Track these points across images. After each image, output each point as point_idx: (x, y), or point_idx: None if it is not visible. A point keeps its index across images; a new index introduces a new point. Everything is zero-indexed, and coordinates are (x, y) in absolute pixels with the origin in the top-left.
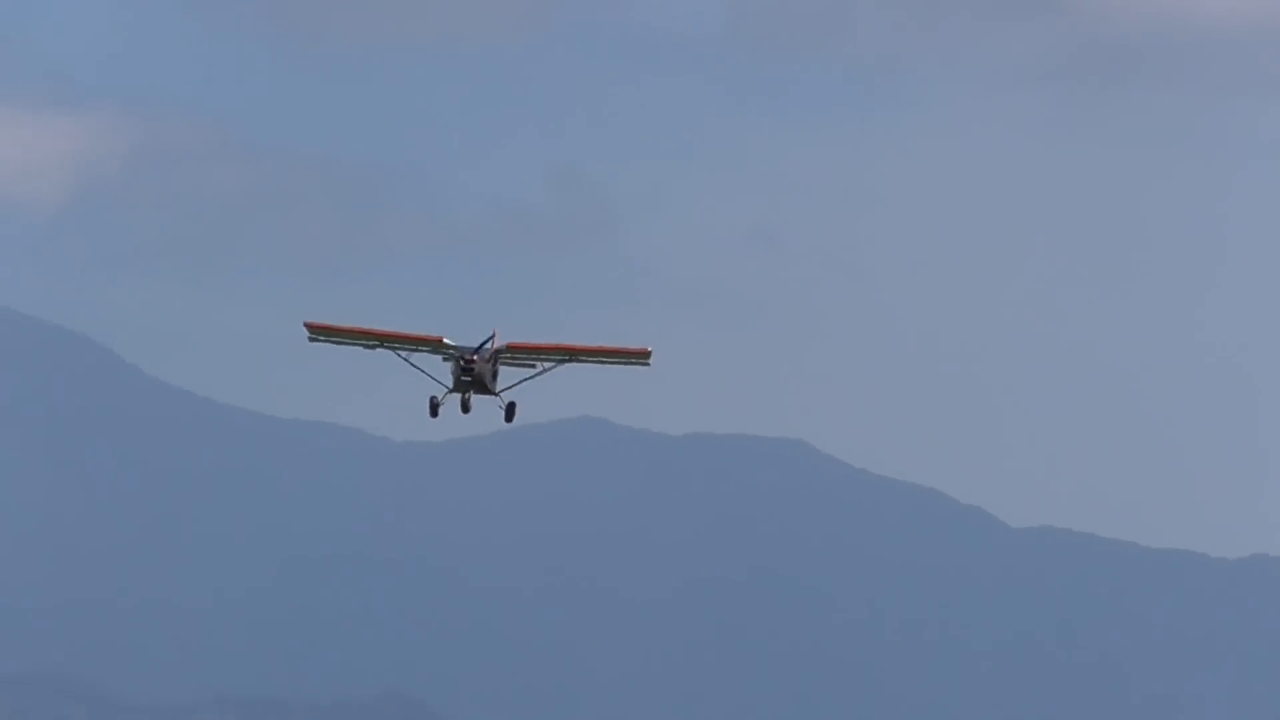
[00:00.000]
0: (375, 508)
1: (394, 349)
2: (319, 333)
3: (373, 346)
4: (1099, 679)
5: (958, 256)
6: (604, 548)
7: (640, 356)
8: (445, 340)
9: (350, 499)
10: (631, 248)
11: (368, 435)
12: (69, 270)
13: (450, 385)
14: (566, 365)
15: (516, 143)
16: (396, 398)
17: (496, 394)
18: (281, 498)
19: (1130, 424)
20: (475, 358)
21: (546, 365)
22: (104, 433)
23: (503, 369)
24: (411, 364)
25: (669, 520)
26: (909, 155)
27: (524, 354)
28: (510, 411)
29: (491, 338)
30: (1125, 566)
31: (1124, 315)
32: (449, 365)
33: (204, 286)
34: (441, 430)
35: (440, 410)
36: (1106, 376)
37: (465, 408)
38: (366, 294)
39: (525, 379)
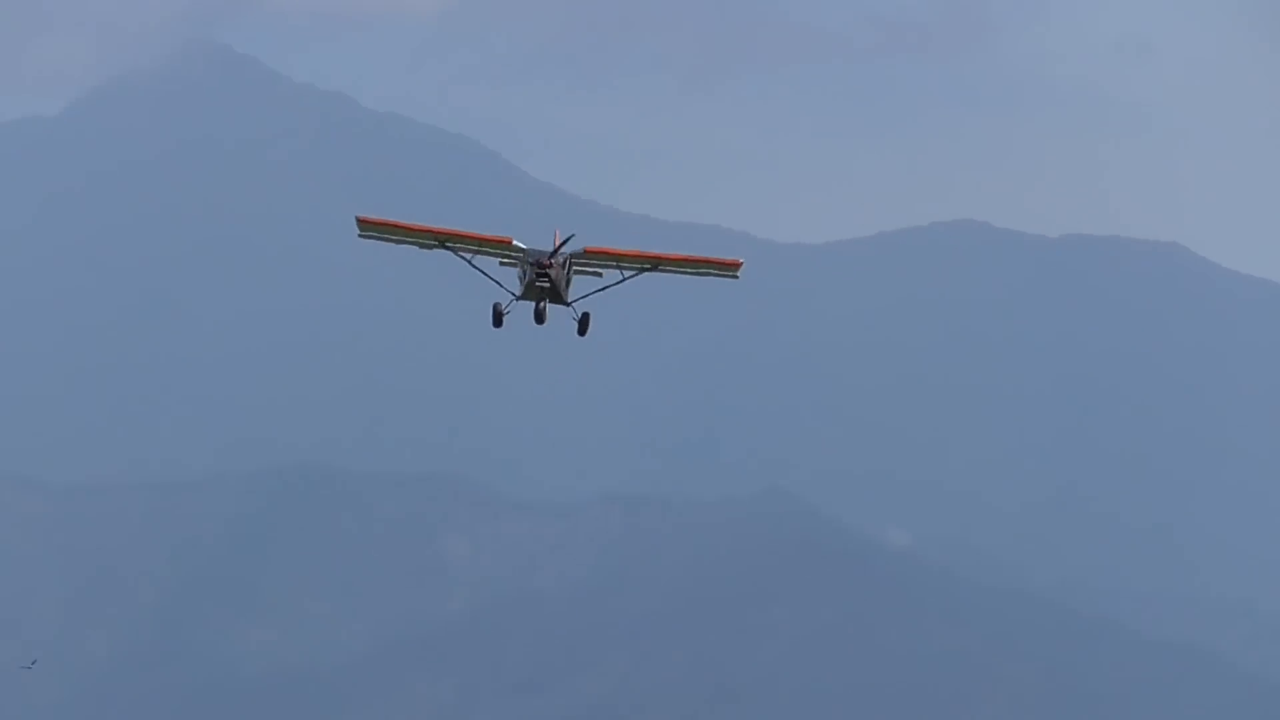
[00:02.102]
0: (758, 309)
1: (454, 249)
2: (371, 229)
3: (430, 246)
4: None
5: None
6: (980, 347)
7: (730, 268)
8: (515, 242)
9: (734, 300)
10: (1011, 54)
11: (752, 238)
12: (456, 77)
13: (518, 292)
14: (650, 274)
15: None
16: (775, 202)
17: (569, 303)
18: (667, 300)
19: None
20: (551, 262)
21: (626, 274)
22: (494, 233)
23: (576, 277)
24: (474, 266)
25: (1044, 320)
26: None
27: (601, 260)
28: (584, 324)
29: (568, 240)
30: None
31: None
32: (516, 271)
33: (590, 91)
34: (822, 232)
35: (505, 320)
36: None
37: (540, 317)
38: (742, 93)
39: (599, 289)
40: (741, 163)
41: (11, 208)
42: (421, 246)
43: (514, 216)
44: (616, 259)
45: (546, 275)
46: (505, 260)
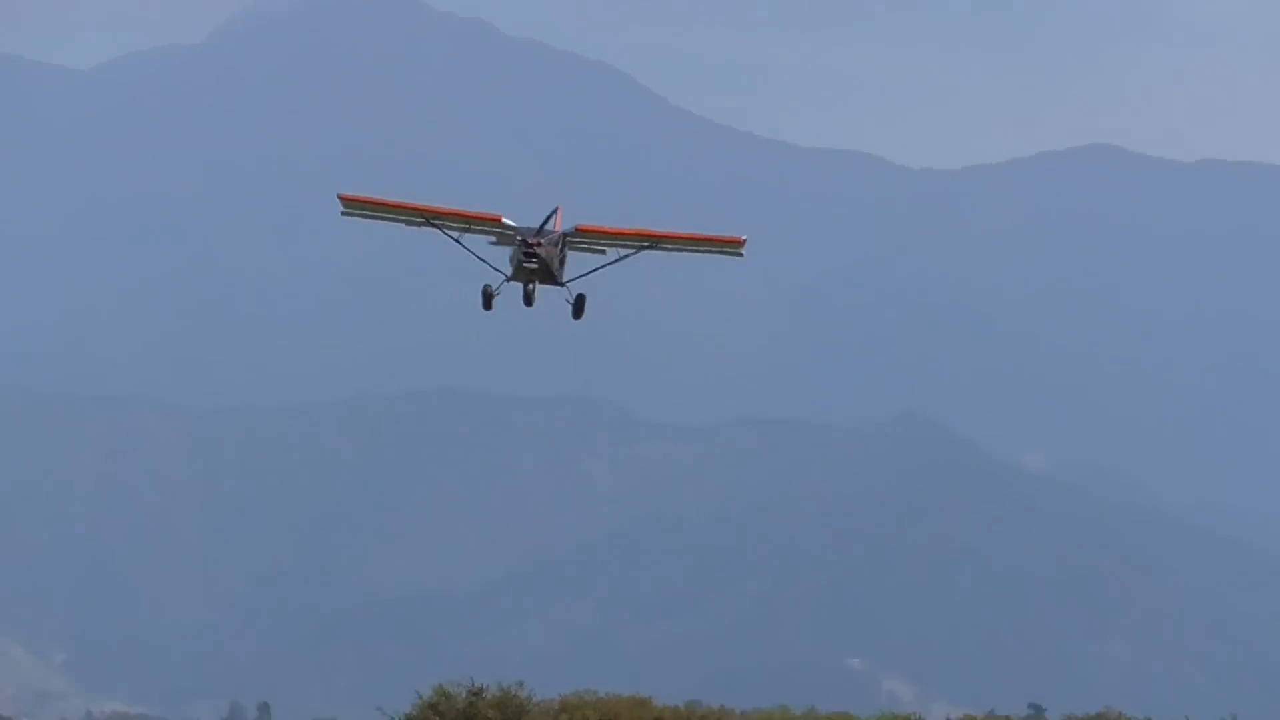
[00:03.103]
0: (890, 233)
1: (440, 227)
2: (354, 206)
3: (417, 223)
4: None
5: None
6: (1115, 270)
7: (733, 245)
8: (504, 220)
9: (867, 225)
10: None
11: (886, 162)
12: (595, 3)
13: (508, 272)
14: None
15: None
16: (909, 128)
17: (563, 284)
18: (800, 225)
19: None
20: (539, 242)
21: (622, 252)
22: (631, 158)
23: (571, 255)
24: (463, 245)
25: (1179, 245)
26: None
27: (594, 238)
28: (579, 306)
29: (553, 215)
30: None
31: None
32: (509, 252)
33: (728, 17)
34: (956, 158)
35: (495, 303)
36: None
37: (528, 300)
38: (878, 19)
39: (596, 268)
40: (876, 88)
41: (156, 134)
42: (408, 224)
43: (652, 142)
44: (611, 237)
45: (535, 255)
46: (497, 240)
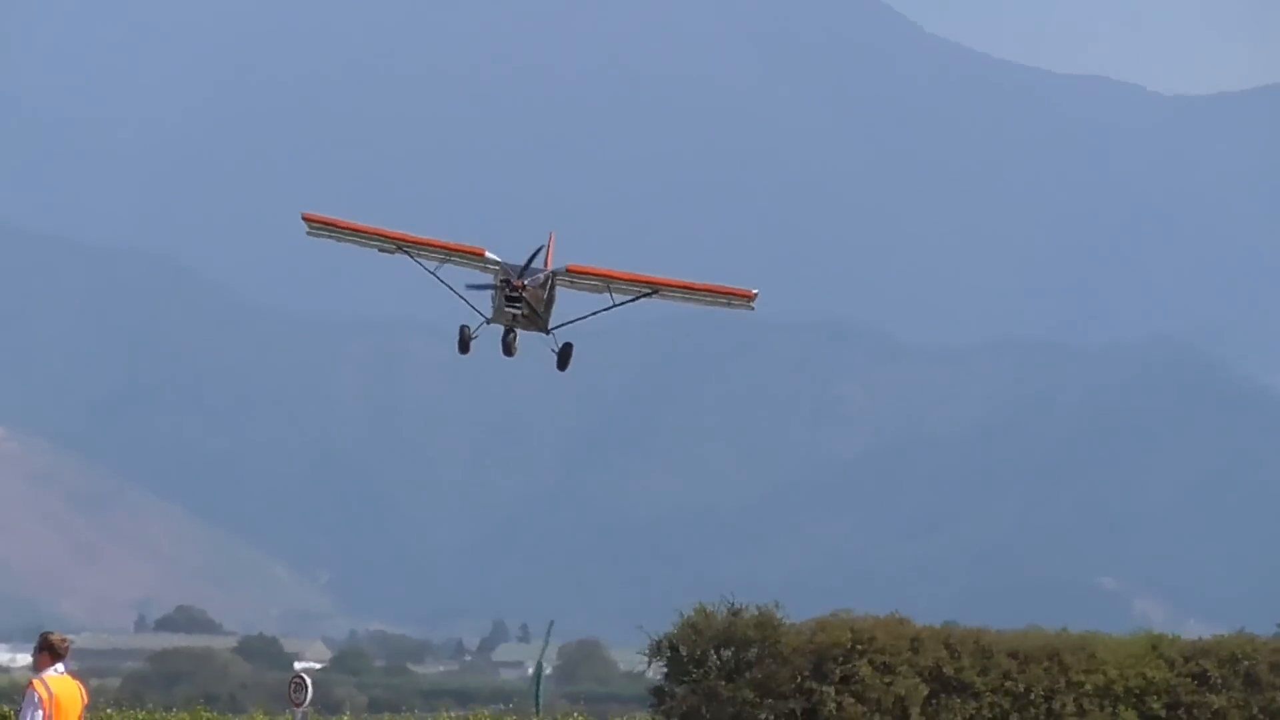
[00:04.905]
0: (1140, 159)
1: (415, 256)
2: (320, 227)
3: (389, 251)
4: None
5: None
6: None
7: (743, 299)
8: (487, 254)
9: (1120, 148)
10: None
11: (1140, 89)
12: None
13: (488, 314)
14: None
15: None
16: (1160, 53)
17: (549, 331)
18: (1050, 146)
19: None
20: (524, 284)
21: (618, 299)
22: (883, 84)
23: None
24: (438, 278)
25: None
26: None
27: (588, 280)
28: (564, 357)
29: (542, 249)
30: None
31: None
32: (490, 291)
33: None
34: (1206, 84)
35: (472, 345)
36: None
37: (508, 349)
38: None
39: (588, 315)
40: (1127, 14)
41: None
42: (380, 250)
43: (910, 72)
44: (606, 280)
45: (519, 300)
46: (476, 279)
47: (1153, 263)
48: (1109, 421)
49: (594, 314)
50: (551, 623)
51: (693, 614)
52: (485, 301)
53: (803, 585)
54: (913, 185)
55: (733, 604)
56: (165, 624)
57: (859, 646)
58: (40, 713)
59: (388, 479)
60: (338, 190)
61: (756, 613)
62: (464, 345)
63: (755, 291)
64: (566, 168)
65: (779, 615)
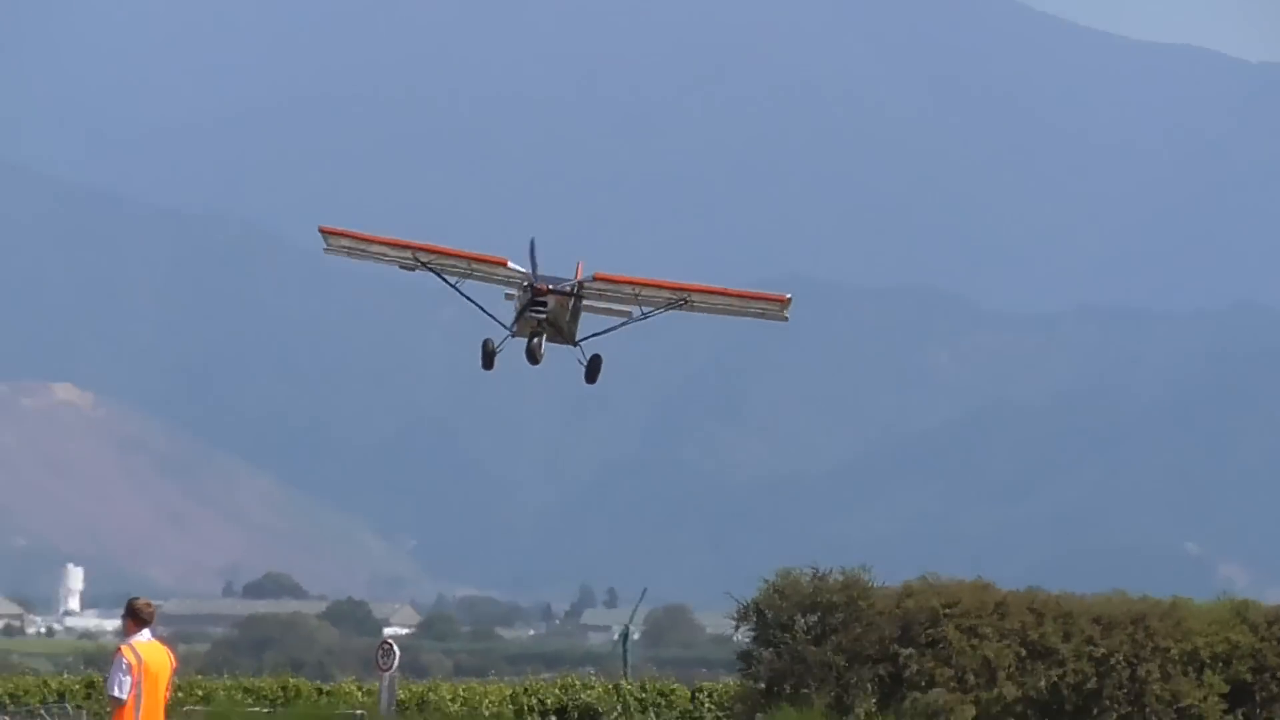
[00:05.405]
0: (1234, 120)
1: (436, 271)
2: (336, 239)
3: (410, 267)
4: None
5: None
6: None
7: (777, 304)
8: (509, 264)
9: (1211, 112)
10: None
11: (1225, 58)
12: None
13: (512, 327)
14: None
15: None
16: (1246, 15)
17: (576, 343)
18: (1140, 118)
19: None
20: (548, 288)
21: (647, 309)
22: (967, 50)
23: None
24: (461, 293)
25: None
26: None
27: (617, 289)
28: (593, 369)
29: (535, 251)
30: None
31: None
32: (513, 301)
33: None
34: None
35: (496, 360)
36: None
37: (533, 357)
38: None
39: (611, 328)
40: None
41: None
42: (401, 266)
43: (994, 38)
44: (634, 288)
45: (543, 304)
46: (508, 294)
47: (1237, 230)
48: (1193, 388)
49: (622, 324)
50: (645, 590)
51: (778, 578)
52: (509, 314)
53: (888, 550)
54: (998, 152)
55: (817, 569)
56: (253, 590)
57: (946, 610)
58: (128, 678)
59: (475, 444)
60: (423, 159)
61: (843, 576)
62: (488, 360)
63: (788, 297)
64: (645, 142)
65: (866, 578)
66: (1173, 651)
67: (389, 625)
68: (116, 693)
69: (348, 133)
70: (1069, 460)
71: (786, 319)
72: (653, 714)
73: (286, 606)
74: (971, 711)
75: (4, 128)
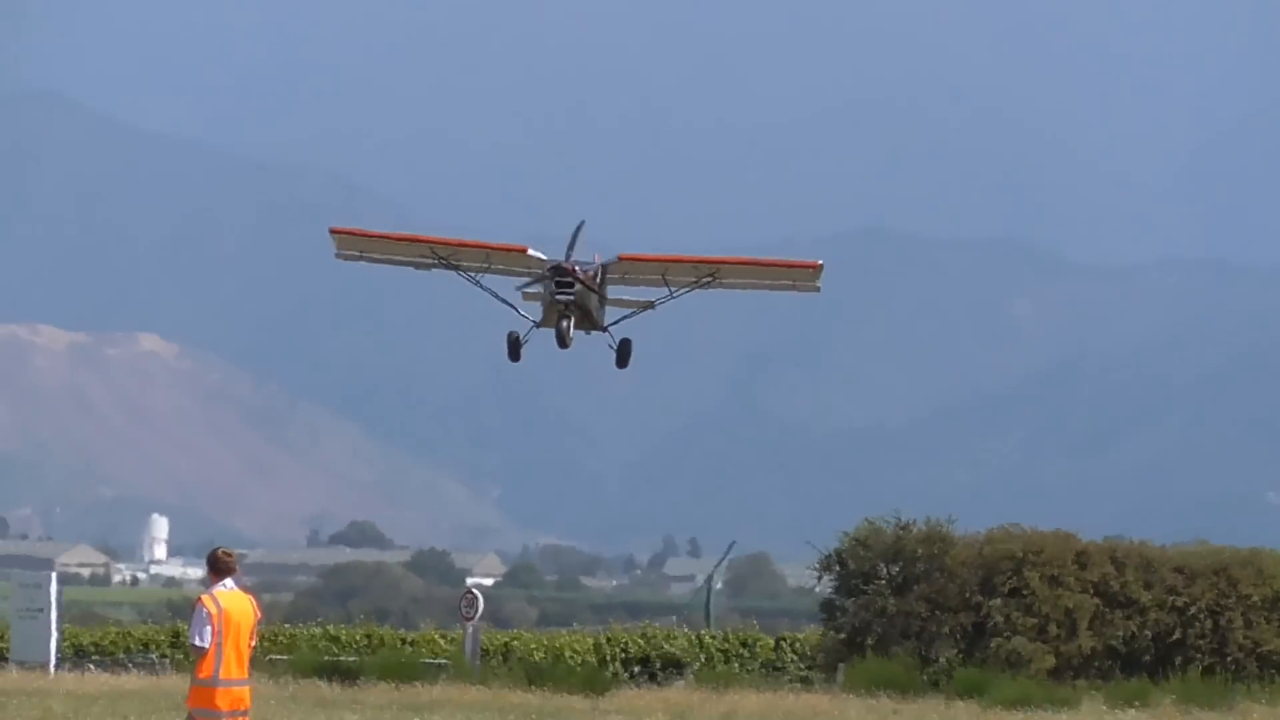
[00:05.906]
0: None
1: (455, 267)
2: (346, 239)
3: (427, 267)
4: None
5: None
6: None
7: (808, 272)
8: (530, 251)
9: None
10: None
11: None
12: None
13: (538, 317)
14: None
15: None
16: None
17: (604, 328)
18: (1219, 67)
19: None
20: (574, 267)
21: (674, 289)
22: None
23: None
24: (483, 287)
25: None
26: None
27: (640, 269)
28: (624, 353)
29: (578, 229)
30: None
31: None
32: (537, 289)
33: None
34: None
35: (523, 351)
36: None
37: (562, 340)
38: None
39: (633, 313)
40: None
41: None
42: (416, 268)
43: None
44: (661, 267)
45: (569, 286)
46: (527, 292)
47: None
48: (1275, 339)
49: (651, 305)
50: (733, 543)
51: (859, 528)
52: (534, 308)
53: (970, 501)
54: (1081, 102)
55: (900, 519)
56: (338, 539)
57: (1029, 558)
58: (209, 628)
59: (559, 394)
60: (505, 111)
61: (925, 527)
62: (514, 352)
63: (820, 263)
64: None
65: (948, 528)
66: (1255, 599)
67: (473, 575)
68: (198, 641)
69: (434, 83)
70: (1151, 411)
71: (818, 289)
72: (735, 664)
73: (371, 556)
74: (1052, 661)
75: (93, 78)
